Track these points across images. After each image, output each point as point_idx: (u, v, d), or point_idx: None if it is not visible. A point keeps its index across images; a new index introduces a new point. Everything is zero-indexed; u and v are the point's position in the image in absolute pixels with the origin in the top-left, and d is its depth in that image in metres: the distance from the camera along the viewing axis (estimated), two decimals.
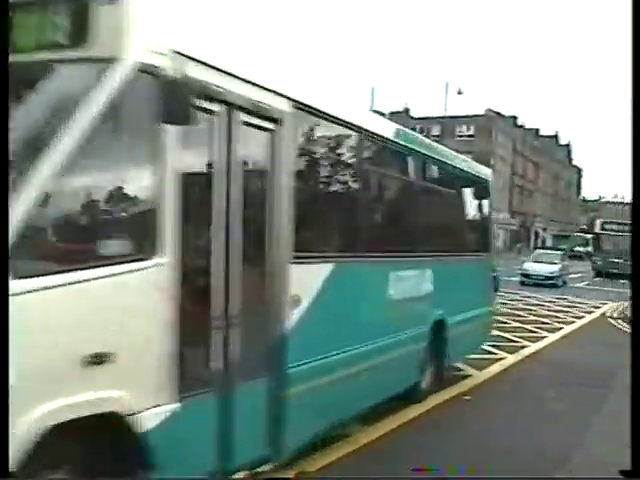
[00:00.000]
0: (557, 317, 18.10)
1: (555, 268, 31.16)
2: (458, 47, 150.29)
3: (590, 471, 6.16)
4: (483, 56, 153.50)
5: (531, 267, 31.26)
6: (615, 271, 37.07)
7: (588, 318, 18.83)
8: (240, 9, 76.85)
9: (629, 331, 16.32)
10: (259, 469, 4.94)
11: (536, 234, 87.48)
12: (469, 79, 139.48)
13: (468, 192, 10.16)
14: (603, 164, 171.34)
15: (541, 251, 37.70)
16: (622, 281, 31.02)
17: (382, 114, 76.04)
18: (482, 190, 10.53)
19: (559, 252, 35.25)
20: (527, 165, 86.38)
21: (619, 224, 41.87)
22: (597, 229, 45.26)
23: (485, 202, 10.84)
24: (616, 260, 37.67)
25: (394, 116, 76.80)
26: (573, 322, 17.33)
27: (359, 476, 5.67)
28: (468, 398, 8.65)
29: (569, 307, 20.75)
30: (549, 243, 63.84)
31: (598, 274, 39.91)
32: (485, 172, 11.01)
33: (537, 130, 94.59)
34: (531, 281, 29.81)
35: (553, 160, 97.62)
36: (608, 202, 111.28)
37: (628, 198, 63.08)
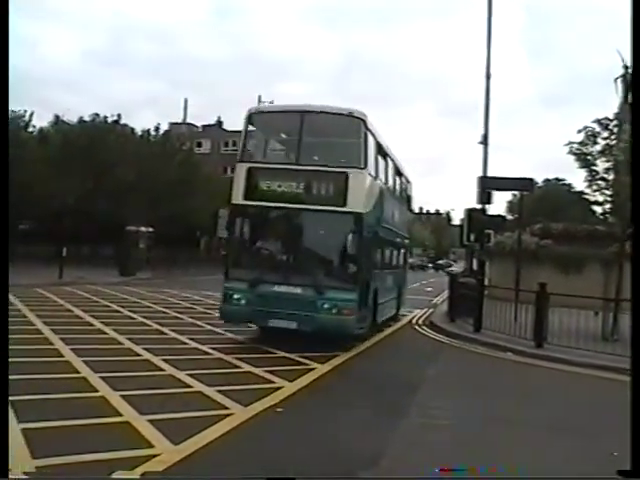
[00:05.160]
0: None
1: None
2: (273, 62, 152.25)
3: (402, 471, 6.46)
4: (293, 70, 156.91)
5: None
6: None
7: (397, 326, 19.35)
8: None
9: (434, 336, 16.95)
10: None
11: None
12: (283, 93, 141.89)
13: None
14: None
15: None
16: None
17: (195, 126, 75.51)
18: None
19: None
20: None
21: None
22: None
23: None
24: None
25: (207, 129, 76.31)
26: (382, 330, 17.66)
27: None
28: (280, 410, 8.48)
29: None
30: None
31: None
32: None
33: None
34: None
35: None
36: None
37: None
